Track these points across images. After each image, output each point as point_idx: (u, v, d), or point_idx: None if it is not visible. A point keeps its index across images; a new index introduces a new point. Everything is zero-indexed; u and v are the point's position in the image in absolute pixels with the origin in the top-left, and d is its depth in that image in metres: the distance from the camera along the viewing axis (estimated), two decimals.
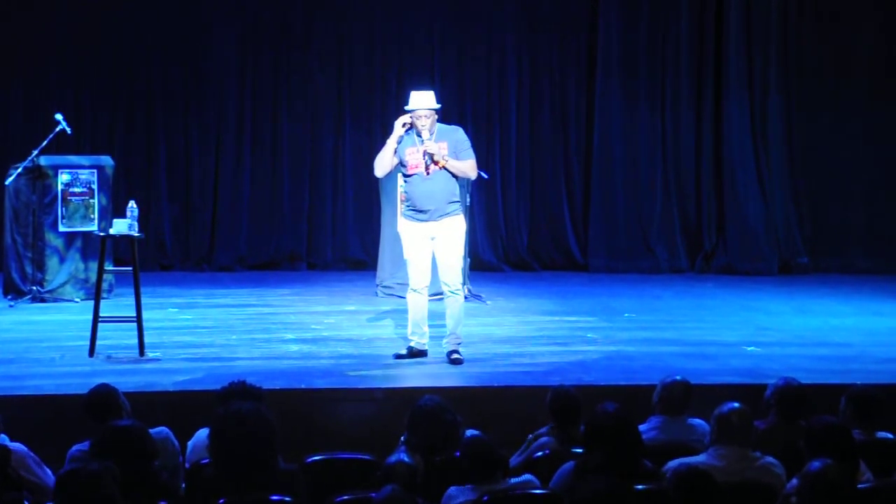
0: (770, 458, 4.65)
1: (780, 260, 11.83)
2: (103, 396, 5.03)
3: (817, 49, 12.00)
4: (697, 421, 5.22)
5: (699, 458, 4.59)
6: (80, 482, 3.85)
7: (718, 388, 6.25)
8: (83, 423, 4.94)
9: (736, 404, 4.74)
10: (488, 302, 9.46)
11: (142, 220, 7.44)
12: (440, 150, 6.95)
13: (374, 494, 4.01)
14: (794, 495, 4.12)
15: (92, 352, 7.05)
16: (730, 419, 4.67)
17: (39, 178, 8.97)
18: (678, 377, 5.38)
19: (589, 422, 4.62)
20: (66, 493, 3.88)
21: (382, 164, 7.10)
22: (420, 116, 6.95)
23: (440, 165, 6.96)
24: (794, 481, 4.20)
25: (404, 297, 7.42)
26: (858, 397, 5.21)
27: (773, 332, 8.34)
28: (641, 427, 5.02)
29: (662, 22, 11.89)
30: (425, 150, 6.93)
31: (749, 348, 7.71)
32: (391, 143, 7.03)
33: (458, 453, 4.60)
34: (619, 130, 11.90)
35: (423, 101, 6.98)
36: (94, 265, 8.46)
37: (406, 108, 7.06)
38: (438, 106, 7.07)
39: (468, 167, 7.09)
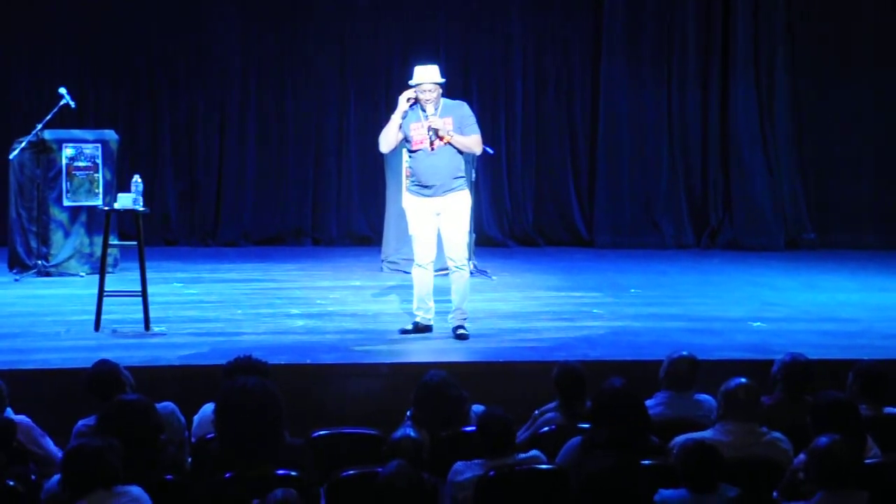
0: (777, 434, 4.64)
1: (787, 235, 11.81)
2: (105, 373, 5.02)
3: (824, 25, 11.92)
4: (704, 396, 5.20)
5: (706, 434, 4.59)
6: (85, 457, 3.87)
7: (725, 363, 6.23)
8: (89, 398, 4.94)
9: (743, 380, 4.73)
10: (494, 277, 9.44)
11: (146, 194, 7.42)
12: (445, 125, 6.91)
13: (379, 469, 4.00)
14: (801, 471, 4.12)
15: (97, 326, 7.05)
16: (736, 395, 4.67)
17: (44, 153, 8.95)
18: (684, 353, 5.37)
19: (595, 397, 4.61)
20: (71, 468, 3.89)
21: (387, 139, 7.06)
22: (425, 90, 6.91)
23: (445, 141, 6.92)
24: (802, 456, 4.19)
25: (409, 273, 7.40)
26: (865, 373, 5.20)
27: (779, 308, 8.32)
28: (648, 402, 5.01)
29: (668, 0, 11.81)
30: (430, 126, 6.89)
31: (755, 324, 7.69)
32: (396, 118, 6.99)
33: (473, 427, 4.60)
34: (625, 106, 11.84)
35: (427, 75, 6.94)
36: (98, 240, 8.44)
37: (410, 82, 7.01)
38: (443, 80, 7.03)
39: (473, 142, 7.06)
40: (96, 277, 7.30)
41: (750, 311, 8.11)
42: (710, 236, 11.86)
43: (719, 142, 11.94)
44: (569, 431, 4.74)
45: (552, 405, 5.12)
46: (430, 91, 6.90)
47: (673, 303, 8.52)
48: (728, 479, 4.12)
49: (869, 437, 4.61)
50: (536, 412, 5.16)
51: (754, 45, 11.82)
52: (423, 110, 6.95)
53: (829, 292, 9.09)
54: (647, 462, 4.28)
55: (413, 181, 7.11)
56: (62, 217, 9.04)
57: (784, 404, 5.11)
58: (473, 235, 9.22)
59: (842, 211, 11.92)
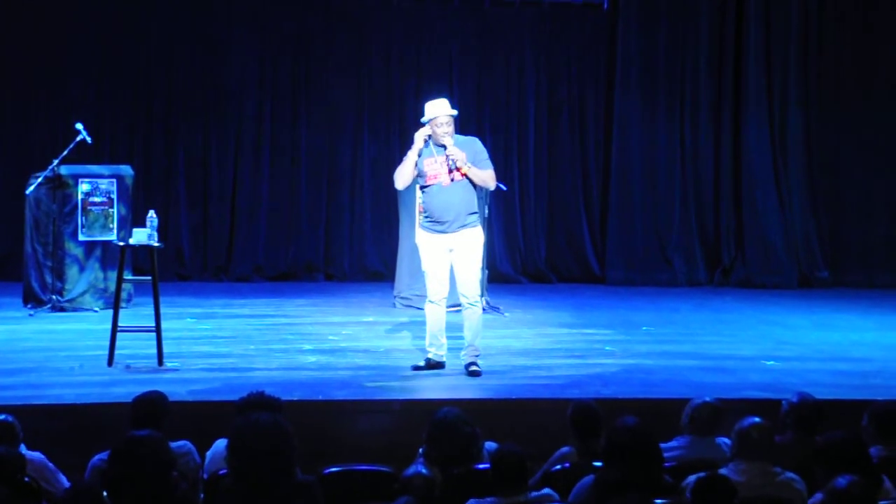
0: (791, 474, 4.61)
1: (800, 274, 11.79)
2: (151, 403, 5.06)
3: (837, 60, 11.98)
4: (726, 440, 5.15)
5: (719, 472, 4.56)
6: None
7: (738, 402, 6.21)
8: (102, 432, 4.95)
9: (756, 419, 4.70)
10: (506, 314, 9.44)
11: (160, 229, 7.46)
12: (462, 156, 6.95)
13: None
14: None
15: (111, 361, 7.06)
16: (750, 434, 4.64)
17: (60, 188, 9.01)
18: (708, 399, 5.28)
19: (608, 436, 4.59)
20: None
21: (403, 177, 7.09)
22: (441, 123, 6.95)
23: (462, 172, 6.95)
24: (817, 496, 4.16)
25: (422, 309, 7.41)
26: (881, 413, 5.14)
27: (792, 347, 8.30)
28: (668, 445, 4.98)
29: (681, 35, 11.89)
30: (448, 155, 6.92)
31: (768, 363, 7.67)
32: (412, 155, 7.02)
33: (487, 465, 4.58)
34: (637, 143, 11.89)
35: (441, 108, 6.98)
36: (113, 274, 8.49)
37: (423, 119, 7.05)
38: (455, 112, 7.07)
39: (488, 176, 7.09)
40: (110, 312, 7.32)
41: (763, 350, 8.09)
42: (722, 274, 11.85)
43: (732, 178, 11.96)
44: (583, 470, 4.71)
45: (569, 450, 5.07)
46: (446, 124, 6.95)
47: (685, 341, 8.50)
48: None
49: (886, 479, 4.57)
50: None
51: (767, 81, 11.87)
52: (437, 145, 6.99)
53: (843, 331, 9.06)
54: (660, 501, 4.26)
55: (426, 217, 7.13)
56: (77, 252, 9.09)
57: (795, 444, 5.07)
58: (486, 272, 9.23)
59: (855, 249, 11.90)
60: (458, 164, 6.91)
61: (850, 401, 6.31)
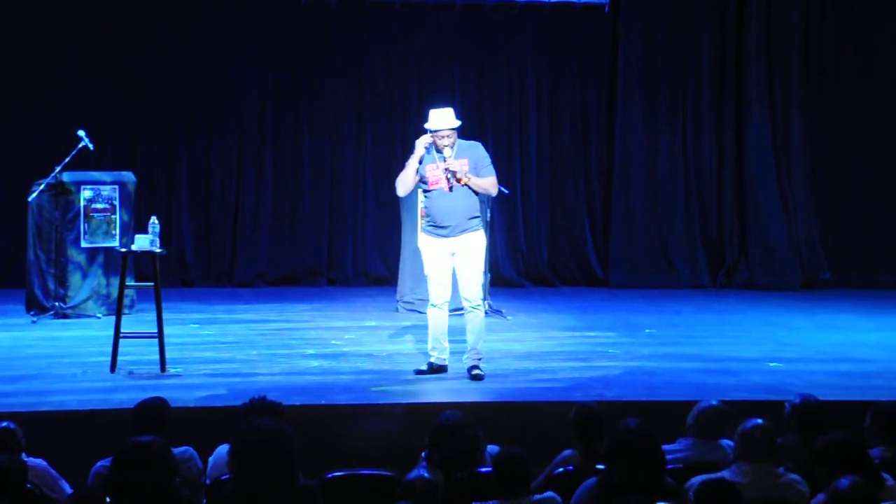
0: (794, 475, 4.61)
1: (803, 275, 11.78)
2: (153, 408, 5.07)
3: (839, 63, 11.98)
4: (729, 442, 5.14)
5: (722, 475, 4.56)
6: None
7: (741, 404, 6.19)
8: (105, 439, 4.95)
9: (759, 420, 4.70)
10: (509, 317, 9.44)
11: (163, 235, 7.47)
12: (462, 167, 6.96)
13: None
14: None
15: (113, 367, 7.07)
16: (753, 435, 4.64)
17: (62, 195, 9.03)
18: (714, 402, 5.29)
19: (610, 438, 4.58)
20: None
21: (405, 183, 7.10)
22: (443, 136, 6.96)
23: (462, 183, 6.96)
24: (820, 497, 4.16)
25: (425, 313, 7.42)
26: (884, 414, 5.14)
27: (795, 348, 8.30)
28: (671, 447, 4.98)
29: (683, 36, 11.90)
30: (447, 168, 6.93)
31: (771, 364, 7.66)
32: (413, 163, 7.03)
33: (489, 468, 4.58)
34: (639, 146, 11.89)
35: (444, 121, 6.99)
36: (115, 281, 8.50)
37: (426, 126, 7.06)
38: (459, 123, 7.08)
39: (489, 184, 7.10)
40: (113, 319, 7.32)
41: (765, 352, 8.09)
42: (725, 276, 11.85)
43: (734, 181, 11.96)
44: (585, 472, 4.71)
45: (571, 452, 5.07)
46: (447, 136, 6.96)
47: (688, 343, 8.50)
48: None
49: (889, 477, 4.56)
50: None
51: (769, 83, 11.88)
52: (439, 152, 6.99)
53: (845, 332, 9.06)
54: (662, 503, 4.26)
55: (428, 221, 7.14)
56: (80, 258, 9.10)
57: (797, 446, 5.07)
58: (489, 275, 9.24)
59: (857, 251, 11.90)
60: (459, 177, 6.93)
61: (853, 402, 6.32)
